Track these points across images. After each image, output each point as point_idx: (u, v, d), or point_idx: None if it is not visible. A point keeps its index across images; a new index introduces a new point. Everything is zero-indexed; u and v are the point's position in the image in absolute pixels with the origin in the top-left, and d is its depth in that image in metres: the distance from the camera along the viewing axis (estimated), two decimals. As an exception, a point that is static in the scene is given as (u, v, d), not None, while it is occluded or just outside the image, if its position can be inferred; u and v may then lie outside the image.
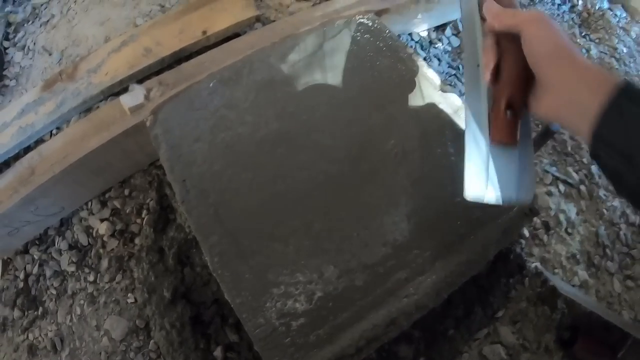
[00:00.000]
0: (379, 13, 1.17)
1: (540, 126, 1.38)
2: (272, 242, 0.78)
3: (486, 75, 0.55)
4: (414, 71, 0.98)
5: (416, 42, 1.41)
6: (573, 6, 1.80)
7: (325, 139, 0.89)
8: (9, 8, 1.79)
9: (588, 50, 1.65)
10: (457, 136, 0.88)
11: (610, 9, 1.82)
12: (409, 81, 0.97)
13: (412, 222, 0.81)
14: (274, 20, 1.27)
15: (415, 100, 0.94)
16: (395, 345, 0.96)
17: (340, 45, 1.02)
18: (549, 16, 0.50)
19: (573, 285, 1.15)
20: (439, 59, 1.43)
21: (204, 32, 1.17)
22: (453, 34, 1.49)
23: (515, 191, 0.57)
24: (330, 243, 0.79)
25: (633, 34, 1.78)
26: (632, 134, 0.40)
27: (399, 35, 1.35)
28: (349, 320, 0.73)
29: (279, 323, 0.72)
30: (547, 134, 0.96)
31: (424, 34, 1.44)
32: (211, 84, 0.96)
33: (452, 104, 0.93)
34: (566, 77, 0.47)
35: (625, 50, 1.71)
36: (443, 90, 0.95)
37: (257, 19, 1.22)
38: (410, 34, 1.41)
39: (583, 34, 1.73)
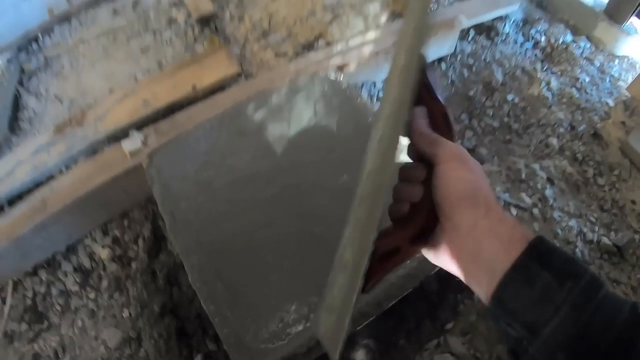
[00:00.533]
0: (342, 67, 1.41)
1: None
2: (242, 262, 0.99)
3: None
4: (366, 117, 1.20)
5: (379, 90, 1.63)
6: (536, 42, 1.92)
7: (291, 178, 1.10)
8: (23, 56, 2.03)
9: (548, 83, 1.76)
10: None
11: (574, 41, 1.92)
12: (362, 125, 1.19)
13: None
14: (255, 75, 1.51)
15: (364, 140, 1.16)
16: (353, 353, 1.13)
17: (304, 98, 1.25)
18: (468, 155, 0.47)
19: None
20: None
21: (194, 87, 1.40)
22: None
23: None
24: (292, 262, 0.99)
25: (597, 63, 1.86)
26: (536, 301, 0.37)
27: (362, 84, 1.58)
28: (302, 324, 0.92)
29: (244, 327, 0.91)
30: None
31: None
32: (197, 133, 1.18)
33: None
34: (477, 225, 0.43)
35: (587, 79, 1.79)
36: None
37: (239, 74, 1.46)
38: (374, 82, 1.62)
39: (544, 68, 1.84)
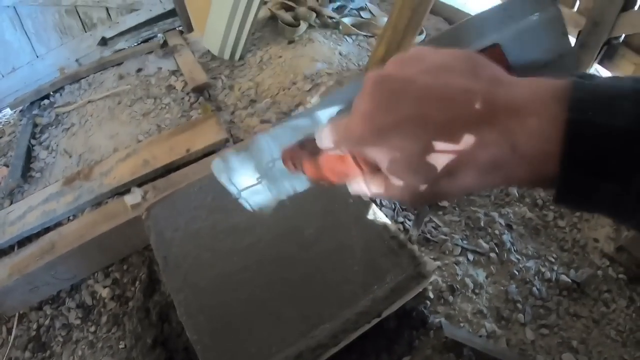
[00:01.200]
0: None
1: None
2: (223, 299, 1.21)
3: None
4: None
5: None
6: None
7: (266, 230, 1.35)
8: (35, 111, 2.30)
9: None
10: (361, 223, 1.34)
11: None
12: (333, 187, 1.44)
13: (320, 284, 1.24)
14: (243, 139, 1.77)
15: (332, 197, 1.41)
16: None
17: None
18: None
19: (480, 336, 1.30)
20: None
21: (188, 150, 1.66)
22: None
23: None
24: (265, 300, 1.21)
25: None
26: (615, 145, 0.28)
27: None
28: (270, 352, 1.14)
29: (222, 354, 1.13)
30: (419, 215, 1.35)
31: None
32: (188, 191, 1.43)
33: (360, 198, 1.40)
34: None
35: None
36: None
37: (227, 140, 1.72)
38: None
39: None
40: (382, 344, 1.36)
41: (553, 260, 1.52)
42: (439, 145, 0.32)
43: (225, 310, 1.21)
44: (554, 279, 1.46)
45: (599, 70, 2.12)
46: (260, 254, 1.31)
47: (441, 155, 0.33)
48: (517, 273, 1.46)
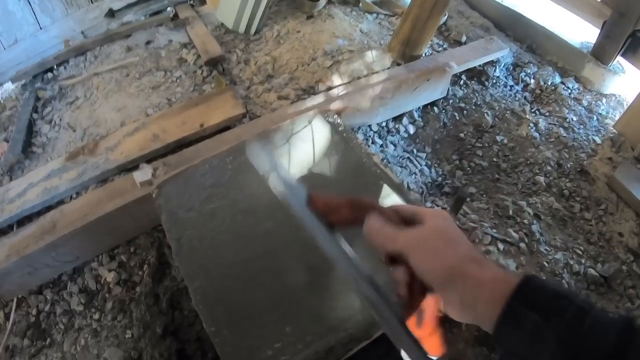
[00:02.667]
0: (339, 111, 1.55)
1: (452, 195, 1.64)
2: (242, 288, 1.10)
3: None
4: (360, 157, 1.34)
5: (375, 132, 1.77)
6: (526, 85, 2.08)
7: (288, 213, 1.22)
8: (38, 84, 2.19)
9: (536, 124, 1.90)
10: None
11: (562, 82, 2.07)
12: (357, 166, 1.32)
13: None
14: (259, 115, 1.66)
15: (359, 177, 1.29)
16: None
17: (303, 137, 1.39)
18: (432, 234, 0.52)
19: None
20: (394, 145, 1.78)
21: (201, 125, 1.54)
22: (409, 122, 1.85)
23: None
24: (288, 289, 1.10)
25: (585, 102, 2.01)
26: (528, 342, 0.42)
27: (359, 127, 1.73)
28: (297, 347, 1.02)
29: (242, 347, 1.02)
30: (459, 201, 1.27)
31: (383, 124, 1.82)
32: (203, 168, 1.31)
33: (390, 182, 1.27)
34: (463, 297, 0.47)
35: (575, 118, 1.94)
36: (382, 170, 1.30)
37: (244, 115, 1.60)
38: (369, 126, 1.77)
39: (533, 110, 1.98)
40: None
41: (580, 252, 1.51)
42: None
43: (246, 300, 1.09)
44: (582, 272, 1.44)
45: (621, 62, 2.08)
46: (284, 238, 1.19)
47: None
48: (546, 265, 1.43)
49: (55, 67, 2.25)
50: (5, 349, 1.39)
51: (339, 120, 1.44)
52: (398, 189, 1.26)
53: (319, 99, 1.62)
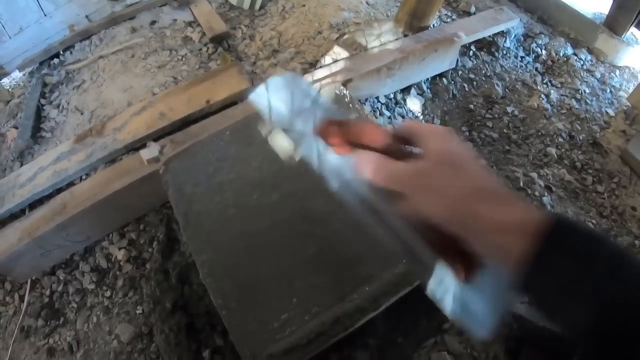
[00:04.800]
0: (345, 82, 1.52)
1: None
2: (249, 260, 1.09)
3: None
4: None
5: (382, 104, 1.73)
6: (537, 56, 2.03)
7: (294, 184, 1.21)
8: (45, 70, 2.19)
9: (548, 95, 1.86)
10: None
11: (574, 53, 2.02)
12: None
13: (359, 244, 1.11)
14: (264, 90, 1.63)
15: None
16: (353, 351, 1.20)
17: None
18: (434, 165, 0.46)
19: (522, 302, 1.22)
20: (403, 117, 1.73)
21: (208, 101, 1.53)
22: (417, 94, 1.81)
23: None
24: (294, 261, 1.09)
25: (598, 74, 1.96)
26: (564, 291, 0.39)
27: (366, 99, 1.69)
28: (303, 318, 1.02)
29: (249, 320, 1.01)
30: None
31: (391, 95, 1.78)
32: (209, 142, 1.30)
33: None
34: (479, 241, 0.43)
35: (587, 90, 1.89)
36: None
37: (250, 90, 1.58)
38: (377, 97, 1.73)
39: (544, 81, 1.94)
40: (420, 309, 1.25)
41: (593, 226, 1.47)
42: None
43: (253, 272, 1.09)
44: None
45: (635, 34, 2.02)
46: (290, 211, 1.18)
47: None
48: None
49: (61, 52, 2.24)
50: (20, 330, 1.40)
51: (345, 91, 1.41)
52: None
53: (324, 71, 1.59)
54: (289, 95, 0.65)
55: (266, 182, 1.21)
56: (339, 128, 0.57)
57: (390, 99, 1.75)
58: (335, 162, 0.59)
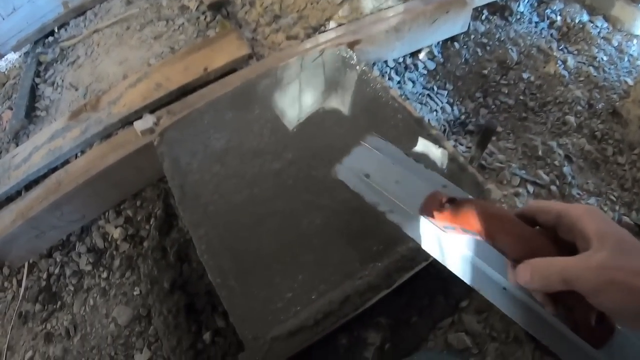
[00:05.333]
0: (352, 44, 1.40)
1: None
2: (249, 234, 0.99)
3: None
4: (376, 91, 1.18)
5: (391, 68, 1.61)
6: (552, 22, 1.90)
7: (297, 151, 1.11)
8: (39, 49, 2.09)
9: (565, 62, 1.74)
10: (411, 142, 1.08)
11: (590, 21, 1.90)
12: (373, 100, 1.17)
13: (369, 216, 1.00)
14: (265, 56, 1.52)
15: (375, 112, 1.15)
16: (364, 331, 1.10)
17: (314, 73, 1.25)
18: (613, 257, 0.41)
19: None
20: (413, 82, 1.62)
21: (205, 69, 1.42)
22: (428, 58, 1.69)
23: None
24: (299, 234, 0.99)
25: (615, 42, 1.84)
26: None
27: (374, 63, 1.57)
28: (310, 297, 0.92)
29: (250, 300, 0.91)
30: (487, 133, 1.13)
31: (400, 59, 1.65)
32: (207, 110, 1.19)
33: (409, 116, 1.14)
34: None
35: (605, 58, 1.78)
36: (400, 104, 1.16)
37: (250, 56, 1.47)
38: (385, 61, 1.61)
39: (561, 47, 1.83)
40: (436, 286, 1.15)
41: (614, 199, 1.39)
42: None
43: (254, 247, 0.98)
44: (615, 219, 1.31)
45: None
46: (294, 179, 1.07)
47: None
48: None
49: (55, 30, 2.15)
50: (18, 316, 1.33)
51: (351, 54, 1.29)
52: (418, 122, 1.11)
53: (330, 34, 1.47)
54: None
55: (268, 150, 1.11)
56: (452, 208, 0.53)
57: (400, 63, 1.63)
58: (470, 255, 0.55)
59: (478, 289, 0.56)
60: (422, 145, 1.07)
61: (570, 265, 0.42)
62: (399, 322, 1.14)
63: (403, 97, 1.52)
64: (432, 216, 0.56)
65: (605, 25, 1.90)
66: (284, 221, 1.01)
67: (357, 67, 1.25)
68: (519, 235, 0.48)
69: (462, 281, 1.19)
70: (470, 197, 0.58)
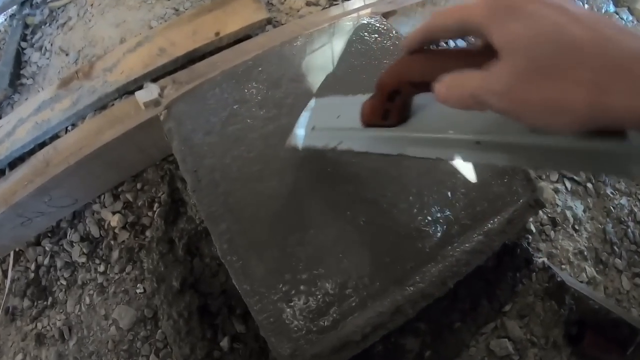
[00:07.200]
0: (386, 15, 1.18)
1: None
2: (280, 232, 0.79)
3: None
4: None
5: (424, 45, 1.41)
6: None
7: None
8: (26, 11, 1.82)
9: None
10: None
11: (616, 12, 1.79)
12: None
13: (418, 213, 0.82)
14: (284, 23, 1.29)
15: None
16: (402, 337, 0.95)
17: (347, 45, 1.04)
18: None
19: (581, 282, 1.12)
20: None
21: (217, 34, 1.18)
22: None
23: None
24: (340, 230, 0.79)
25: None
26: None
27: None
28: (356, 307, 0.73)
29: (286, 310, 0.72)
30: None
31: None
32: (223, 81, 0.97)
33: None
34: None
35: None
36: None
37: (268, 21, 1.24)
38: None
39: None
40: (479, 288, 1.03)
41: None
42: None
43: (286, 248, 0.77)
44: None
45: None
46: (333, 166, 0.87)
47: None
48: (612, 210, 1.27)
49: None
50: (5, 312, 1.12)
51: (389, 26, 1.08)
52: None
53: (357, 2, 1.25)
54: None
55: (299, 129, 0.90)
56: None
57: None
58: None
59: (455, 158, 0.55)
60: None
61: (476, 84, 0.35)
62: (440, 327, 0.99)
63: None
64: (374, 120, 0.57)
65: (630, 18, 1.78)
66: (319, 216, 0.81)
67: (397, 41, 1.04)
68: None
69: (507, 283, 1.03)
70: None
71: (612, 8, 1.77)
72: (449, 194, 0.84)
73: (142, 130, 1.02)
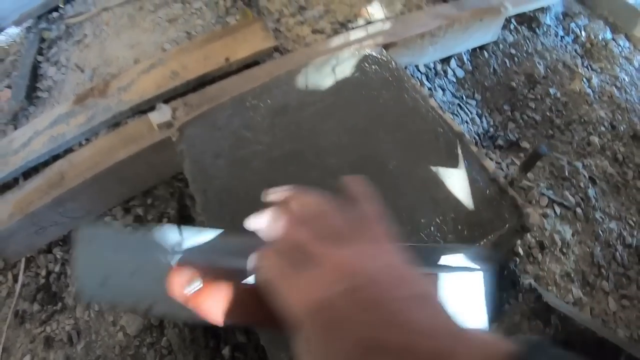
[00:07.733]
0: (387, 46, 1.25)
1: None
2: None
3: None
4: (416, 100, 1.05)
5: (422, 74, 1.49)
6: (576, 37, 1.81)
7: (333, 159, 0.96)
8: (43, 25, 1.89)
9: (589, 80, 1.66)
10: (452, 159, 0.96)
11: (613, 39, 1.82)
12: (411, 109, 1.04)
13: (410, 236, 0.87)
14: (291, 51, 1.36)
15: (413, 123, 1.02)
16: None
17: (349, 75, 1.10)
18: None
19: (567, 303, 1.16)
20: (443, 89, 1.51)
21: (227, 59, 1.25)
22: (457, 66, 1.57)
23: None
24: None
25: (636, 64, 1.77)
26: None
27: (406, 67, 1.43)
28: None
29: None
30: (534, 157, 1.02)
31: (431, 65, 1.52)
32: (232, 107, 1.04)
33: (449, 130, 1.00)
34: None
35: (627, 79, 1.70)
36: (440, 115, 1.02)
37: (276, 49, 1.31)
38: (416, 66, 1.48)
39: (585, 64, 1.73)
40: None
41: (633, 224, 1.35)
42: None
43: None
44: (634, 245, 1.29)
45: None
46: (331, 191, 0.93)
47: None
48: (601, 234, 1.29)
49: (61, 5, 1.92)
50: (15, 315, 1.16)
51: (389, 57, 1.15)
52: (459, 137, 0.98)
53: (360, 32, 1.32)
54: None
55: (301, 156, 0.96)
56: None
57: (430, 69, 1.49)
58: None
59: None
60: (462, 164, 0.95)
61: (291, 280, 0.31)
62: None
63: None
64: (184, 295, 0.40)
65: (627, 45, 1.81)
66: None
67: (395, 73, 1.11)
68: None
69: (494, 303, 1.08)
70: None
71: (609, 35, 1.81)
72: (438, 219, 0.89)
73: (154, 150, 1.08)
